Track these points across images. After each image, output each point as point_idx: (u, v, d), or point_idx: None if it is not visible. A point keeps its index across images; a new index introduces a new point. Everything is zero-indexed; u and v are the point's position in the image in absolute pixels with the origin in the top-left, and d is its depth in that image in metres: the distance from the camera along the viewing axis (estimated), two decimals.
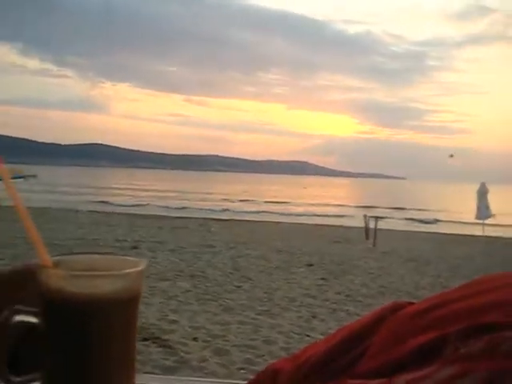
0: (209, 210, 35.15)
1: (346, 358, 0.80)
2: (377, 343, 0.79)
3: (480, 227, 20.21)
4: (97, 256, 0.64)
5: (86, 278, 0.58)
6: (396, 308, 0.88)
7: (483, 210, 19.40)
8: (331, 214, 38.14)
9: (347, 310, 8.15)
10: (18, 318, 0.60)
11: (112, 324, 0.58)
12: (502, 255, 16.10)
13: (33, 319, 0.60)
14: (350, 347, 0.82)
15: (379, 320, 0.84)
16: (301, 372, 0.83)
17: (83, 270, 0.59)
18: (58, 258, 0.62)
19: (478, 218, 19.89)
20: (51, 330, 0.58)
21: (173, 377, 1.29)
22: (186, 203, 41.38)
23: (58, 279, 0.57)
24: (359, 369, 0.76)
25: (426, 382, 0.61)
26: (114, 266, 0.59)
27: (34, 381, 0.62)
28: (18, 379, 0.62)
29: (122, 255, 0.63)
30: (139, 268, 0.60)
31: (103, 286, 0.57)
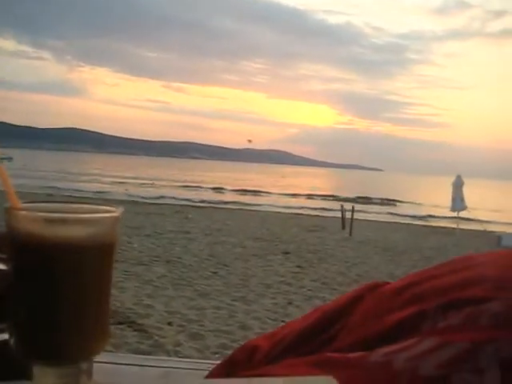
0: (185, 198, 35.05)
1: (324, 335, 0.80)
2: (355, 320, 0.79)
3: (455, 220, 20.46)
4: (70, 204, 0.62)
5: (57, 222, 0.55)
6: (374, 287, 0.88)
7: (458, 202, 19.65)
8: (308, 203, 38.30)
9: (323, 297, 8.20)
10: None
11: (84, 270, 0.56)
12: (475, 247, 16.35)
13: (1, 266, 0.58)
14: (328, 325, 0.82)
15: (357, 298, 0.85)
16: (278, 349, 0.83)
17: (56, 212, 0.56)
18: (29, 204, 0.59)
19: (452, 209, 20.15)
20: (21, 276, 0.56)
21: (149, 356, 1.28)
22: (162, 190, 41.21)
23: (29, 222, 0.54)
24: (337, 344, 0.76)
25: (405, 355, 0.61)
26: (87, 211, 0.58)
27: (1, 331, 0.61)
28: None
29: (100, 204, 0.62)
30: (114, 214, 0.59)
31: (75, 230, 0.54)
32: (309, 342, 0.82)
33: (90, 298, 0.57)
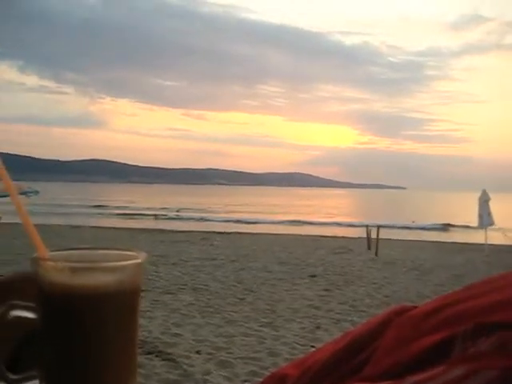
0: (210, 222, 35.13)
1: (352, 362, 0.79)
2: (383, 346, 0.78)
3: (483, 235, 20.15)
4: (95, 251, 0.63)
5: (83, 271, 0.56)
6: (401, 311, 0.87)
7: (485, 218, 19.34)
8: (333, 224, 38.11)
9: (351, 321, 8.11)
10: (15, 313, 0.59)
11: (111, 317, 0.57)
12: (505, 263, 16.05)
13: (30, 314, 0.59)
14: (357, 351, 0.81)
15: (385, 323, 0.84)
16: (307, 377, 0.82)
17: (82, 262, 0.57)
18: (56, 252, 0.61)
19: (480, 225, 19.84)
20: (49, 324, 0.57)
21: None
22: (186, 216, 41.36)
23: (55, 272, 0.56)
24: (366, 372, 0.75)
25: (434, 383, 0.60)
26: (112, 258, 0.58)
27: (33, 378, 0.61)
28: (16, 377, 0.61)
29: (123, 249, 0.63)
30: (137, 260, 0.59)
31: (102, 279, 0.56)
32: (337, 369, 0.81)
33: (116, 344, 0.58)
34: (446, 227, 32.53)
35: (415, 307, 0.87)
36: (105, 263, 0.57)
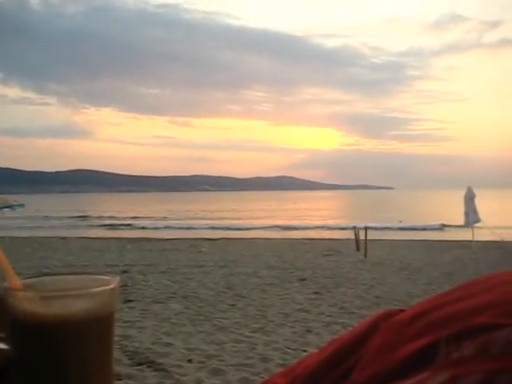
0: (198, 230, 35.06)
1: (339, 369, 0.79)
2: (369, 352, 0.78)
3: (469, 232, 20.26)
4: (68, 276, 0.62)
5: (55, 299, 0.55)
6: (387, 316, 0.86)
7: (471, 215, 19.46)
8: (321, 226, 38.19)
9: (342, 323, 8.12)
10: None
11: (85, 344, 0.56)
12: (492, 259, 16.17)
13: (2, 345, 0.58)
14: (344, 358, 0.80)
15: (371, 329, 0.83)
16: None
17: (53, 290, 0.57)
18: (27, 280, 0.60)
19: (466, 222, 19.95)
20: (22, 354, 0.56)
21: None
22: (174, 224, 41.26)
23: (27, 301, 0.55)
24: (353, 379, 0.75)
25: None
26: (85, 285, 0.57)
27: None
28: None
29: (97, 273, 0.62)
30: (110, 286, 0.58)
31: (74, 306, 0.55)
32: (325, 376, 0.81)
33: (92, 369, 0.57)
34: (442, 227, 32.50)
35: (401, 311, 0.87)
36: (76, 291, 0.56)
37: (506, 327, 0.59)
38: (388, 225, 35.19)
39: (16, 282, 0.59)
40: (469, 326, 0.63)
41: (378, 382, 0.67)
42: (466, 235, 21.43)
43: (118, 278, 0.60)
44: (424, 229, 32.57)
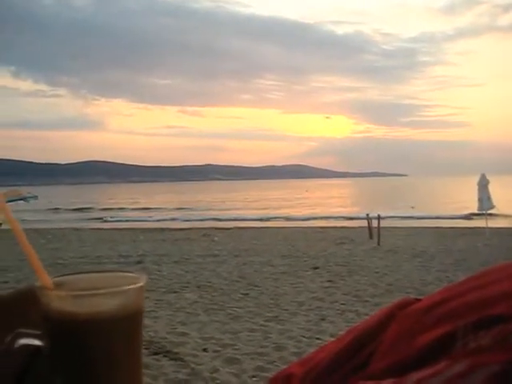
0: (211, 219, 35.16)
1: (356, 359, 0.79)
2: (387, 342, 0.79)
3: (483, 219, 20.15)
4: (97, 274, 0.64)
5: (86, 298, 0.57)
6: (404, 305, 0.87)
7: (485, 202, 19.33)
8: (334, 214, 38.12)
9: (356, 311, 8.13)
10: (22, 341, 0.60)
11: (116, 341, 0.58)
12: (506, 246, 16.08)
13: (37, 342, 0.60)
14: (360, 347, 0.81)
15: (388, 318, 0.84)
16: (312, 375, 0.83)
17: (84, 289, 0.58)
18: (58, 278, 0.62)
19: (479, 209, 19.83)
20: (56, 351, 0.58)
21: None
22: (187, 214, 41.41)
23: (58, 300, 0.57)
24: (370, 369, 0.76)
25: (436, 380, 0.60)
26: (114, 283, 0.59)
27: None
28: None
29: (125, 271, 0.63)
30: (139, 284, 0.60)
31: (104, 304, 0.57)
32: (342, 366, 0.81)
33: (122, 366, 0.59)
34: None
35: (418, 300, 0.87)
36: (107, 289, 0.58)
37: None
38: (408, 214, 34.58)
39: (48, 280, 0.61)
40: (486, 316, 0.63)
41: (397, 372, 0.67)
42: (480, 223, 21.25)
43: (146, 276, 0.61)
44: (451, 218, 31.45)
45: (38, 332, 0.60)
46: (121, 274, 0.63)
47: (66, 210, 52.30)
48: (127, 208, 53.90)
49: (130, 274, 0.62)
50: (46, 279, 0.61)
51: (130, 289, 0.59)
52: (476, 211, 20.20)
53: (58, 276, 0.62)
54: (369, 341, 0.80)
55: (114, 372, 0.58)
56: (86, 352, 0.57)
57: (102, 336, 0.57)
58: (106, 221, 36.45)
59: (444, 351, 0.65)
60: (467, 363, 0.59)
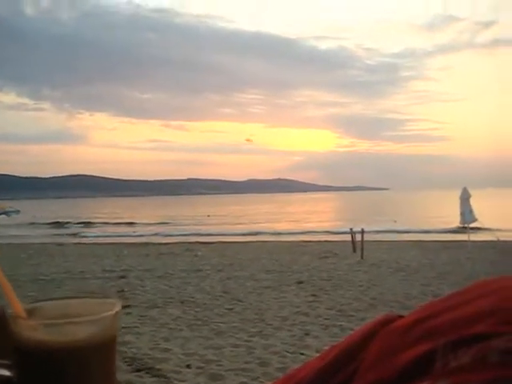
0: (194, 233, 35.01)
1: (339, 377, 0.79)
2: (369, 359, 0.79)
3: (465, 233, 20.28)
4: (71, 300, 0.62)
5: (59, 326, 0.56)
6: (387, 321, 0.87)
7: (467, 215, 19.46)
8: (318, 229, 38.15)
9: (340, 326, 8.12)
10: None
11: (89, 369, 0.56)
12: (488, 259, 16.20)
13: (6, 372, 0.58)
14: (344, 364, 0.81)
15: (371, 335, 0.84)
16: None
17: (57, 316, 0.57)
18: (31, 305, 0.60)
19: (462, 223, 19.95)
20: (27, 381, 0.56)
21: None
22: (170, 229, 41.21)
23: (30, 329, 0.56)
24: None
25: None
26: (88, 310, 0.58)
27: None
28: None
29: (100, 295, 0.62)
30: (113, 311, 0.59)
31: (77, 333, 0.55)
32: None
33: None
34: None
35: (400, 317, 0.87)
36: (81, 317, 0.57)
37: (504, 335, 0.60)
38: (392, 228, 34.57)
39: (19, 308, 0.58)
40: (466, 335, 0.64)
41: None
42: (462, 236, 21.38)
43: (120, 302, 0.60)
44: (441, 232, 31.23)
45: (8, 362, 0.58)
46: (95, 300, 0.61)
47: (49, 224, 51.78)
48: (110, 223, 53.49)
49: (106, 300, 0.61)
50: (17, 307, 0.59)
51: (104, 316, 0.57)
52: (460, 225, 20.30)
53: (31, 303, 0.60)
54: (351, 358, 0.80)
55: None
56: (59, 381, 0.55)
57: (74, 364, 0.55)
58: (83, 236, 35.95)
59: (425, 370, 0.65)
60: (448, 382, 0.59)
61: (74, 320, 0.56)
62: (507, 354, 0.58)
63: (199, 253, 19.86)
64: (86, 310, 0.58)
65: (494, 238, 21.83)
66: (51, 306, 0.61)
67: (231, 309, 9.52)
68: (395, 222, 40.08)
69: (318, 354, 0.91)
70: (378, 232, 29.62)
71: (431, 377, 0.62)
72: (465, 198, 19.66)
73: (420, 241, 24.73)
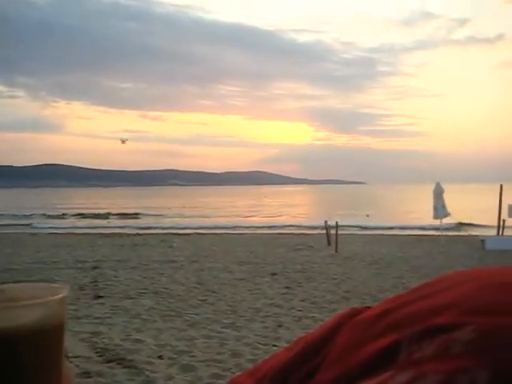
0: (169, 225, 34.89)
1: (305, 368, 0.79)
2: (335, 351, 0.78)
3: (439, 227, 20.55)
4: (16, 285, 0.59)
5: (4, 310, 0.53)
6: (354, 314, 0.86)
7: (440, 210, 19.74)
8: (293, 221, 38.30)
9: (313, 317, 8.16)
10: None
11: (34, 355, 0.54)
12: (461, 253, 16.44)
13: None
14: (309, 357, 0.80)
15: (337, 327, 0.83)
16: None
17: (1, 301, 0.54)
18: None
19: (435, 217, 20.25)
20: None
21: None
22: (145, 219, 41.01)
23: None
24: (318, 379, 0.75)
25: None
26: (34, 295, 0.55)
27: None
28: None
29: (48, 281, 0.60)
30: (59, 295, 0.56)
31: (23, 317, 0.53)
32: (291, 375, 0.80)
33: (43, 381, 0.55)
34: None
35: (368, 308, 0.86)
36: (26, 301, 0.54)
37: (466, 326, 0.59)
38: (366, 222, 34.86)
39: None
40: (430, 326, 0.63)
41: (344, 381, 0.66)
42: (435, 230, 21.64)
43: (68, 287, 0.58)
44: (415, 226, 31.21)
45: None
46: (41, 285, 0.59)
47: (22, 213, 51.10)
48: (85, 213, 53.02)
49: (52, 285, 0.58)
50: None
51: (50, 300, 0.55)
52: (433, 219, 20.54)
53: None
54: (317, 350, 0.79)
55: None
56: (4, 368, 0.52)
57: (19, 351, 0.53)
58: (55, 227, 35.23)
59: (389, 361, 0.64)
60: (411, 373, 0.59)
61: (19, 304, 0.54)
62: (469, 344, 0.57)
63: (174, 244, 19.81)
64: (31, 295, 0.55)
65: (465, 233, 22.20)
66: None
67: (205, 300, 9.51)
68: (368, 216, 40.46)
69: (283, 348, 0.90)
70: (351, 227, 29.78)
71: (395, 367, 0.61)
72: (438, 193, 19.94)
73: (394, 235, 25.01)
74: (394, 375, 0.60)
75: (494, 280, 0.72)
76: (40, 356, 0.54)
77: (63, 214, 50.85)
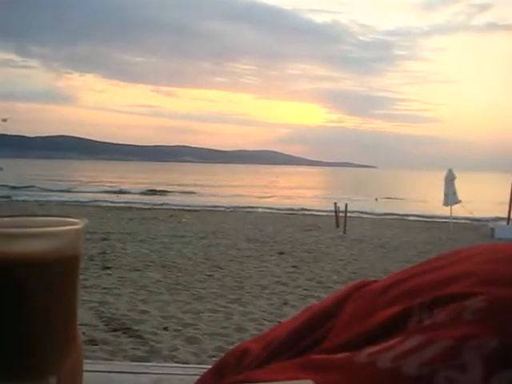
0: (179, 200, 34.98)
1: (312, 337, 0.79)
2: (342, 320, 0.79)
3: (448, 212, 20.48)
4: (34, 218, 0.59)
5: (21, 237, 0.53)
6: (361, 286, 0.87)
7: (450, 196, 19.67)
8: (302, 202, 38.26)
9: (318, 297, 8.20)
10: None
11: (47, 284, 0.54)
12: (469, 240, 16.40)
13: None
14: (317, 325, 0.81)
15: (345, 298, 0.84)
16: (267, 351, 0.82)
17: (19, 227, 0.54)
18: None
19: (445, 203, 20.18)
20: None
21: (142, 363, 1.26)
22: (156, 193, 41.11)
23: None
24: (325, 345, 0.76)
25: (389, 354, 0.60)
26: (51, 225, 0.55)
27: None
28: None
29: (66, 216, 0.59)
30: (77, 226, 0.56)
31: (39, 245, 0.52)
32: (298, 343, 0.82)
33: (54, 313, 0.55)
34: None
35: (375, 281, 0.87)
36: (43, 229, 0.54)
37: (477, 295, 0.60)
38: (369, 203, 34.87)
39: None
40: (442, 295, 0.64)
41: (351, 348, 0.67)
42: (445, 217, 21.57)
43: (85, 221, 0.58)
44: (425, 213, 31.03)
45: None
46: (59, 218, 0.59)
47: (32, 183, 51.38)
48: (95, 184, 53.21)
49: (70, 219, 0.58)
50: None
51: (66, 230, 0.55)
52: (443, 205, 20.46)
53: None
54: (325, 319, 0.80)
55: (46, 316, 0.54)
56: (17, 295, 0.53)
57: (34, 279, 0.52)
58: (73, 194, 35.76)
59: (399, 328, 0.65)
60: (420, 339, 0.60)
61: (35, 231, 0.53)
62: (479, 312, 0.58)
63: (183, 219, 19.89)
64: (49, 225, 0.55)
65: (475, 221, 22.12)
66: (14, 220, 0.58)
67: (212, 275, 9.58)
68: (376, 200, 40.38)
69: (290, 318, 0.91)
70: (362, 210, 29.71)
71: (405, 333, 0.62)
72: (449, 180, 19.85)
73: (403, 219, 24.97)
74: (403, 340, 0.61)
75: (509, 254, 0.73)
76: (53, 286, 0.54)
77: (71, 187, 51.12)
